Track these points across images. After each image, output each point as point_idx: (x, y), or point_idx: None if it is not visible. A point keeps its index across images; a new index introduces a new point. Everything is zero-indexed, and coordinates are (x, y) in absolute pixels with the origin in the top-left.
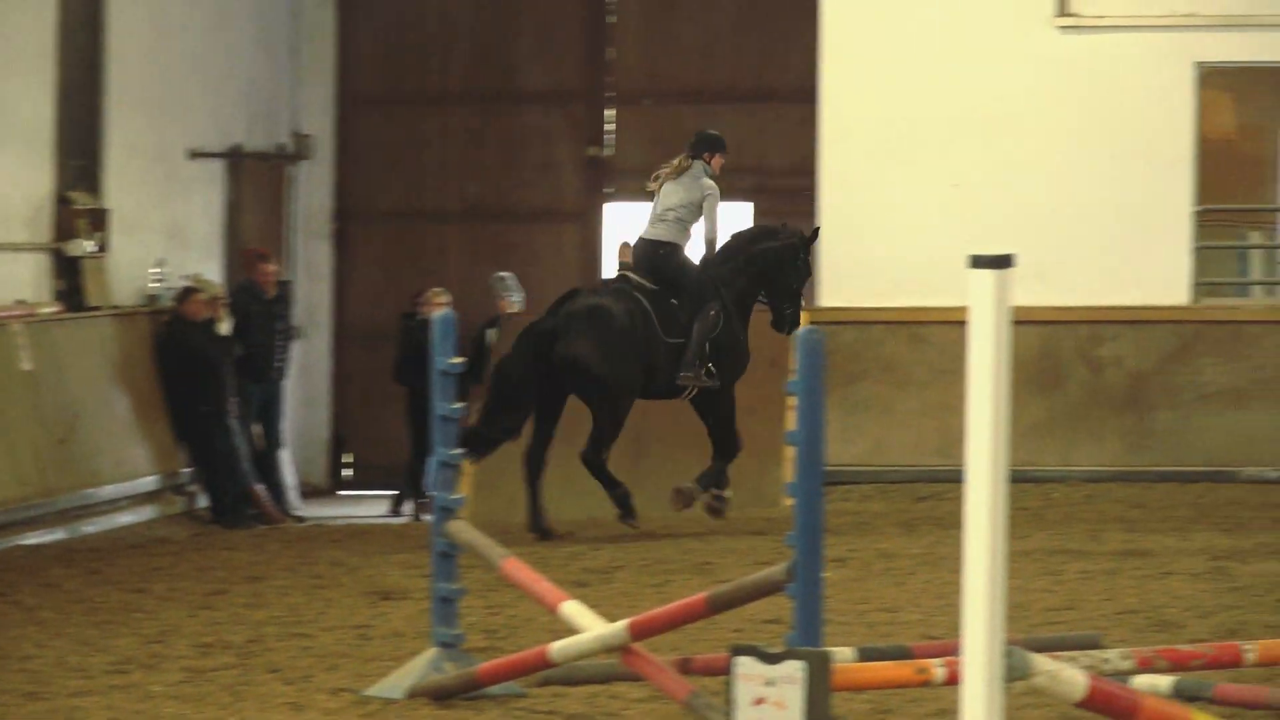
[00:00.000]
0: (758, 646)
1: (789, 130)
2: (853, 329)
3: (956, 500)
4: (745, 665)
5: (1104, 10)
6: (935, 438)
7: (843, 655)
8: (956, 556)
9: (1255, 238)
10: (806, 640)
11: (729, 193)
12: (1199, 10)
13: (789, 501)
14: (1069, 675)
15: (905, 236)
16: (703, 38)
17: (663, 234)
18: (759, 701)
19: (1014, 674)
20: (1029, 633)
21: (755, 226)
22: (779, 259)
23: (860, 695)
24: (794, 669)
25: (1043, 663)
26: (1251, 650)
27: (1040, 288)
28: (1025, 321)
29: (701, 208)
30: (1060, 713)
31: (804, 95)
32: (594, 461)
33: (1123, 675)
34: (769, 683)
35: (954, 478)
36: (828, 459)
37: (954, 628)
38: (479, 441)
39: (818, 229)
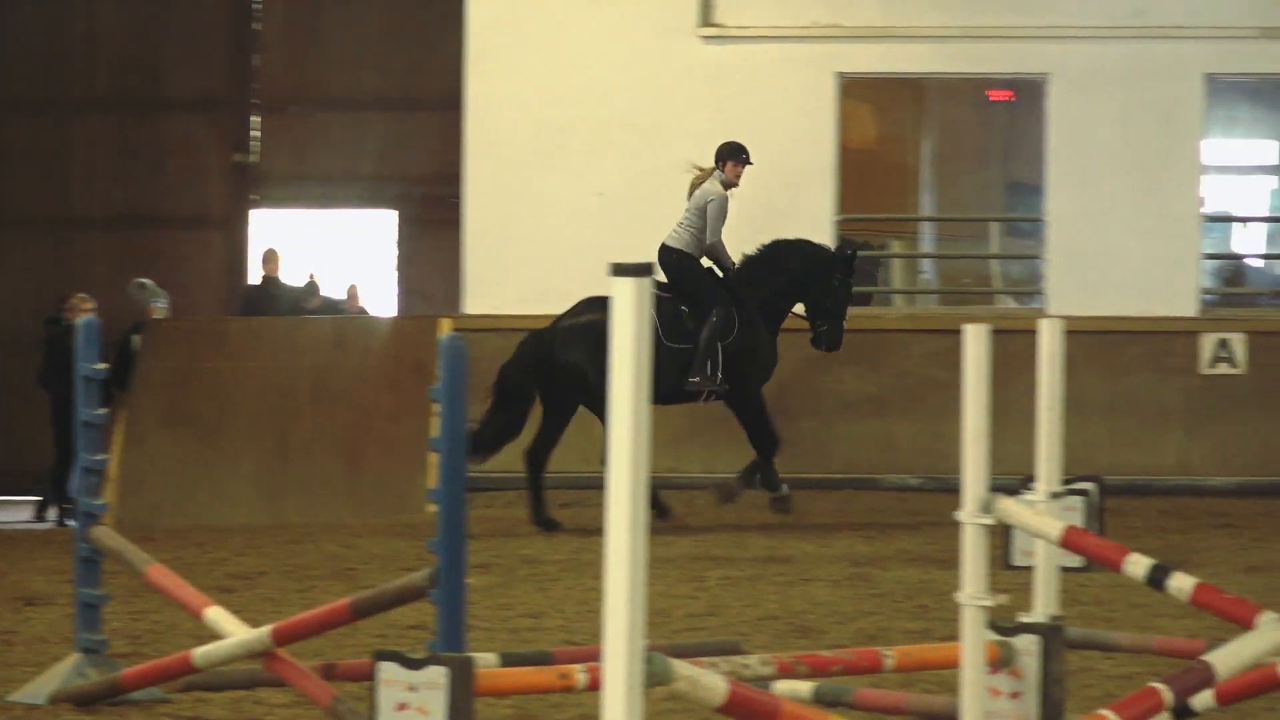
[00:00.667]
0: (401, 652)
1: (435, 138)
2: (497, 336)
3: (600, 506)
4: (388, 671)
5: (747, 21)
6: (580, 444)
7: (486, 661)
8: (600, 562)
9: (896, 247)
10: (449, 646)
11: (376, 201)
12: (840, 21)
13: (432, 508)
14: (709, 681)
15: (550, 244)
16: (349, 46)
17: (674, 241)
18: (402, 707)
19: (654, 679)
20: (671, 638)
21: (798, 239)
22: (805, 271)
23: (503, 700)
24: (437, 674)
25: (683, 668)
26: (891, 656)
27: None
28: None
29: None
30: (701, 718)
31: (450, 103)
32: None
33: (763, 681)
34: (412, 688)
35: (598, 484)
36: (469, 464)
37: (596, 633)
38: (476, 446)
39: (857, 247)
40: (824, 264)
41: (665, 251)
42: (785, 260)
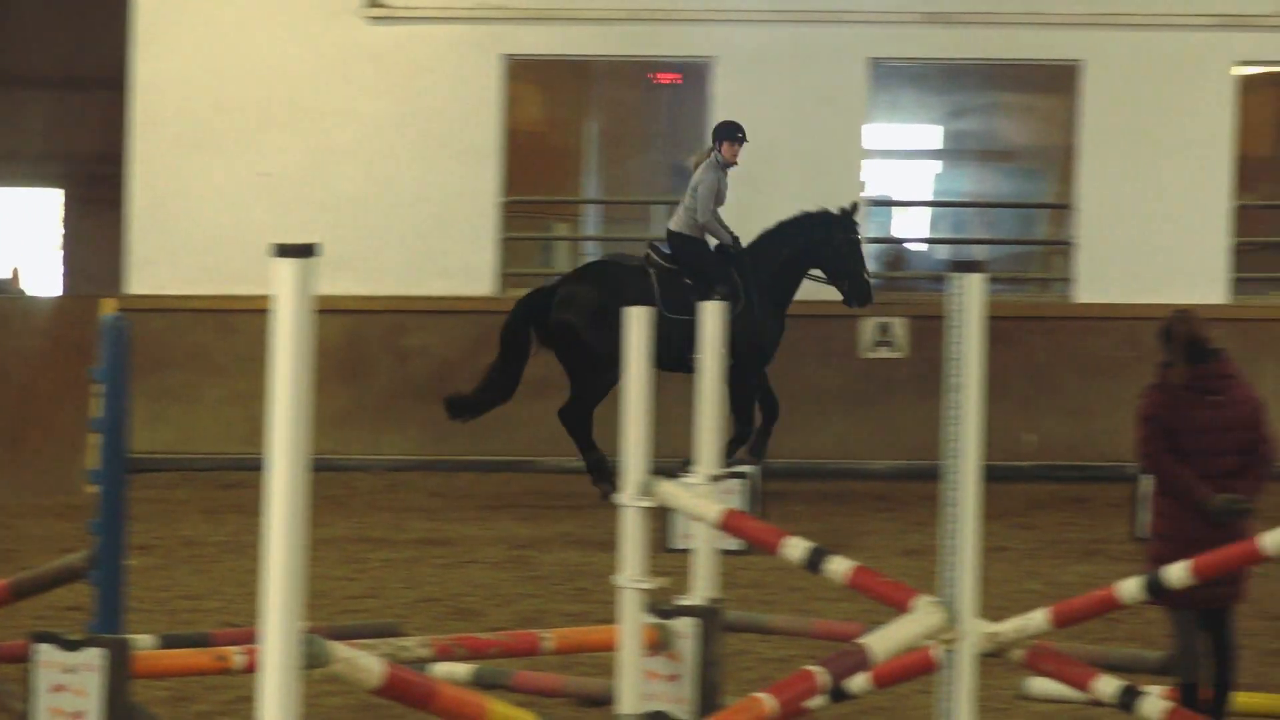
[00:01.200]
0: (58, 634)
1: (101, 117)
2: (161, 316)
3: (257, 488)
4: (45, 653)
5: (413, 2)
6: (242, 426)
7: (143, 642)
8: (259, 544)
9: (561, 229)
10: (107, 627)
11: (41, 179)
12: (506, 4)
13: (92, 489)
14: (366, 663)
15: (214, 225)
16: (12, 23)
17: (675, 224)
18: (59, 689)
19: (312, 661)
20: (330, 620)
21: (800, 213)
22: (806, 239)
23: (161, 682)
24: (94, 656)
25: (341, 651)
26: (549, 639)
27: (348, 277)
28: (331, 311)
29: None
30: (361, 700)
31: (116, 82)
32: (570, 422)
33: (422, 663)
34: (69, 670)
35: (259, 465)
36: (132, 446)
37: (255, 615)
38: (465, 406)
39: (852, 206)
40: (824, 227)
41: (669, 235)
42: (785, 234)
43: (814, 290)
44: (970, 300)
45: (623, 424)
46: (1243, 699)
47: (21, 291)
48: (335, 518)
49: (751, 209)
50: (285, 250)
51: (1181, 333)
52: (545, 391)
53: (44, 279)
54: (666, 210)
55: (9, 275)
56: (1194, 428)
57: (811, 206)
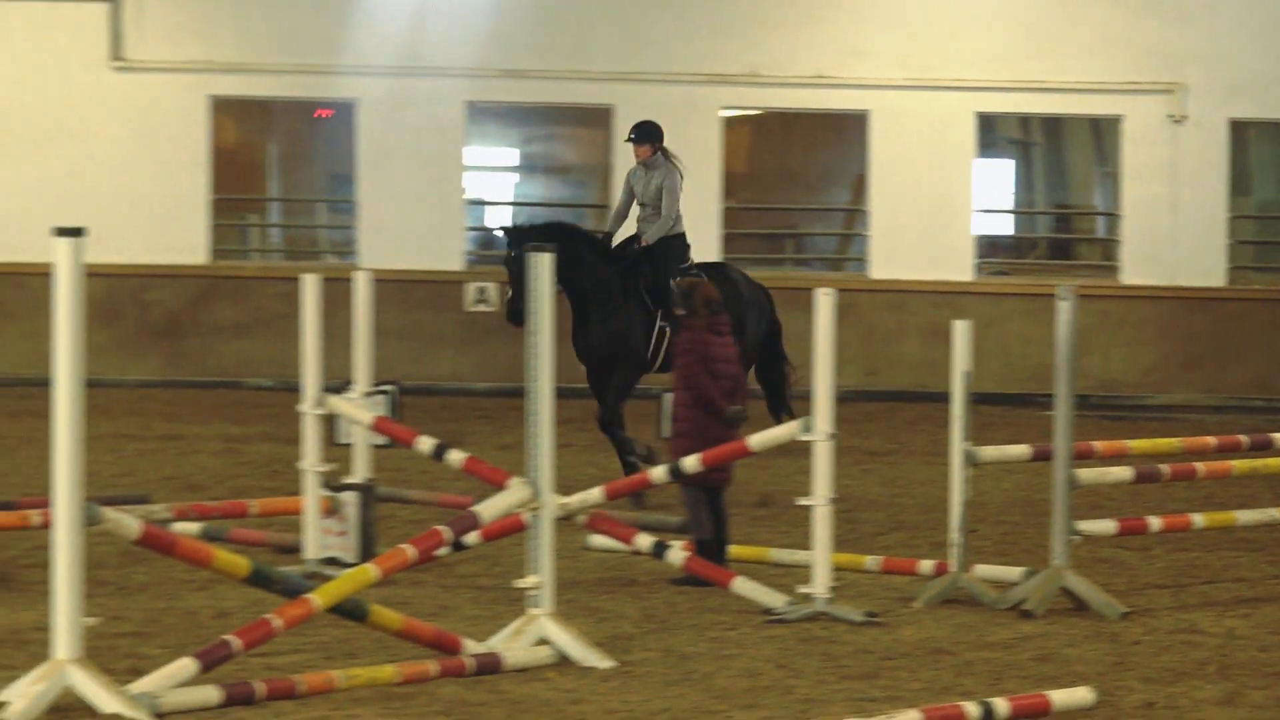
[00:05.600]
0: None
1: None
2: None
3: (45, 399)
4: None
5: (145, 56)
6: (33, 355)
7: None
8: (48, 438)
9: (253, 218)
10: None
11: None
12: (212, 58)
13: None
14: (127, 522)
15: (10, 212)
16: None
17: (650, 235)
18: None
19: (91, 521)
20: (99, 492)
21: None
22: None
23: None
24: None
25: (109, 513)
26: (255, 505)
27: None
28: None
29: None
30: (125, 549)
31: None
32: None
33: (165, 522)
34: None
35: (45, 382)
36: None
37: (47, 489)
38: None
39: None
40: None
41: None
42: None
43: (430, 261)
44: (542, 269)
45: (304, 360)
46: (735, 550)
47: None
48: (100, 420)
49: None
50: (62, 231)
51: (704, 293)
52: (246, 332)
53: None
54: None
55: None
56: (717, 358)
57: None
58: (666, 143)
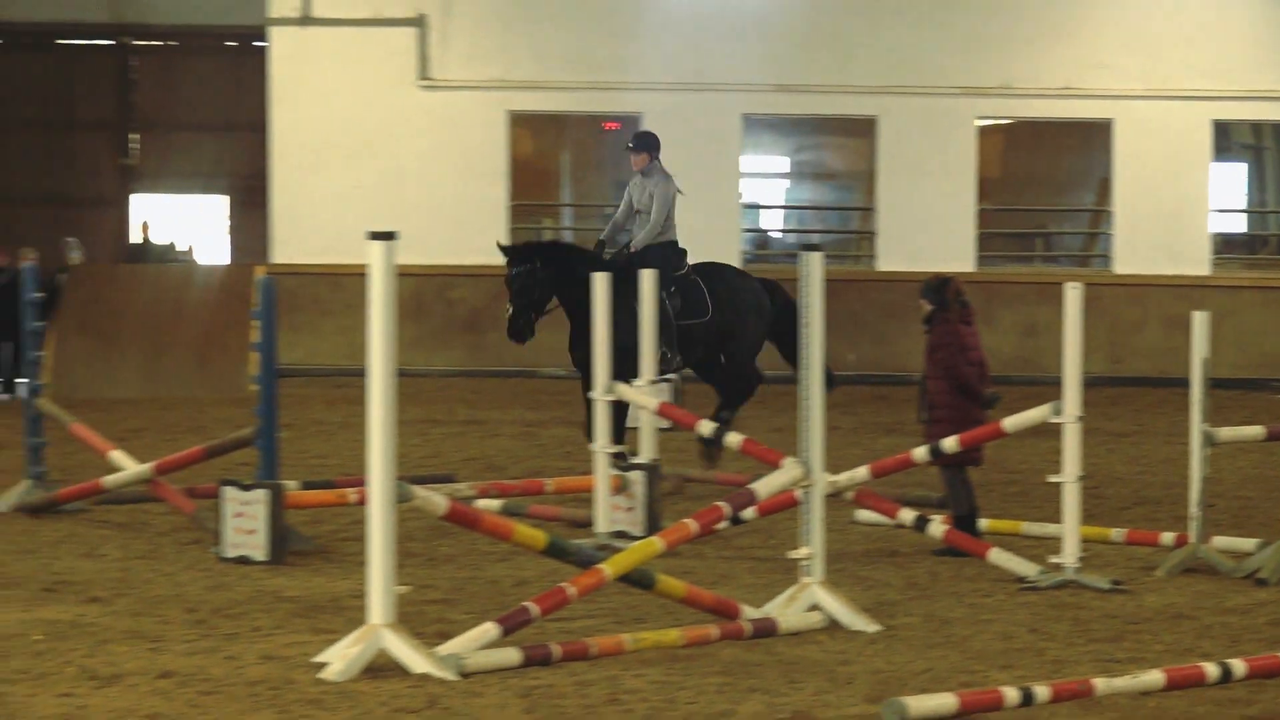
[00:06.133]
0: (237, 480)
1: (251, 149)
2: (293, 278)
3: (360, 388)
4: (229, 492)
5: (448, 76)
6: (347, 347)
7: (291, 485)
8: (363, 423)
9: (548, 221)
10: (268, 476)
11: (213, 189)
12: (508, 77)
13: (253, 388)
14: (436, 499)
15: (328, 218)
16: (192, 89)
17: (639, 240)
18: (239, 515)
19: (401, 498)
20: (410, 472)
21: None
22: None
23: (303, 511)
24: (260, 495)
25: (419, 491)
26: (550, 484)
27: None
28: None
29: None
30: (432, 524)
31: (259, 126)
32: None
33: (469, 499)
34: (245, 504)
35: (357, 373)
36: (278, 360)
37: (363, 469)
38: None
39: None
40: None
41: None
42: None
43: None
44: (813, 270)
45: (595, 351)
46: (990, 524)
47: (195, 261)
48: (409, 407)
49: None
50: (376, 235)
51: (954, 288)
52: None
53: (215, 253)
54: None
55: (187, 249)
56: (969, 346)
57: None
58: (920, 149)
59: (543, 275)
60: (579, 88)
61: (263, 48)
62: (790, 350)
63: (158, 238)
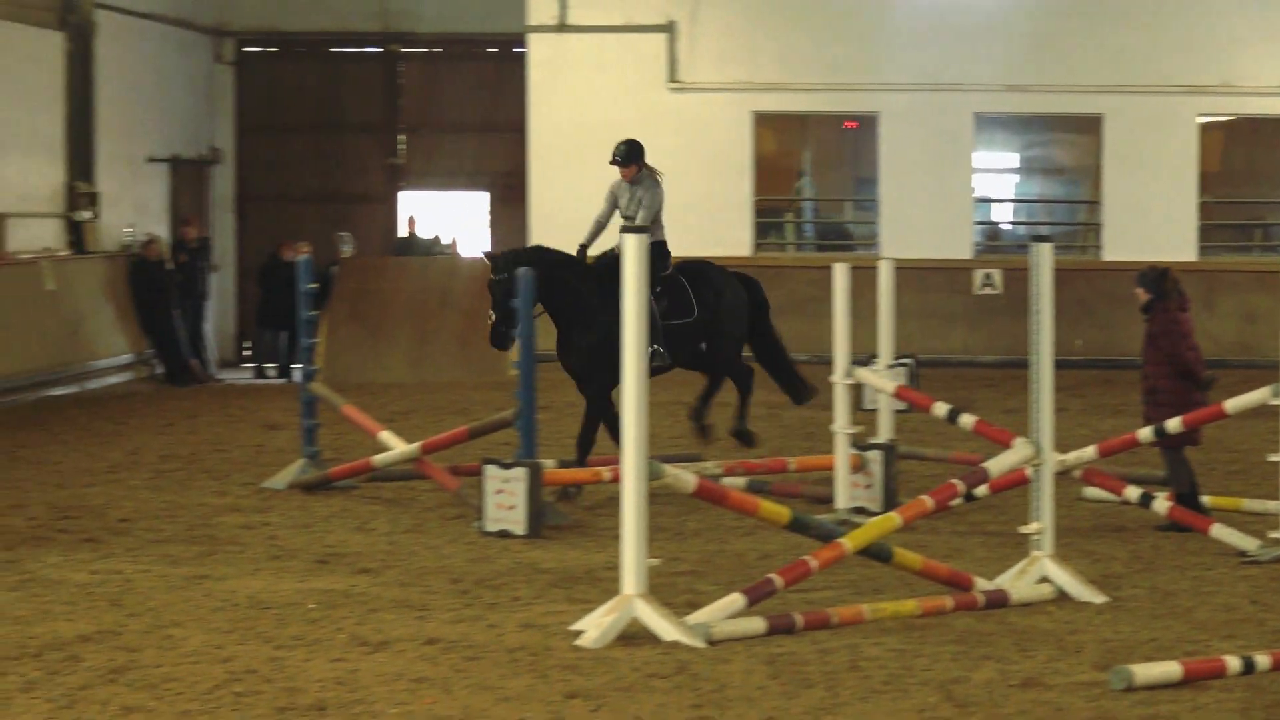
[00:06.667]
0: (498, 459)
1: (510, 149)
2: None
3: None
4: (491, 470)
5: (696, 79)
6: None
7: (548, 464)
8: (617, 406)
9: (789, 215)
10: (527, 454)
11: (475, 186)
12: (753, 79)
13: (514, 372)
14: (685, 477)
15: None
16: (456, 91)
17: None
18: (499, 492)
19: (652, 476)
20: (660, 452)
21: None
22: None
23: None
24: (520, 473)
25: (669, 469)
26: (793, 462)
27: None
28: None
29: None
30: (681, 500)
31: (518, 127)
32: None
33: (716, 477)
34: (505, 481)
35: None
36: (536, 346)
37: (611, 447)
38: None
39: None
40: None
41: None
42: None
43: (943, 250)
44: (1043, 260)
45: (835, 337)
46: (1212, 500)
47: (458, 253)
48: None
49: (903, 201)
50: (630, 229)
51: (1172, 279)
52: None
53: (477, 246)
54: (853, 203)
55: (450, 242)
56: (1188, 333)
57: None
58: (1144, 145)
59: (525, 283)
60: (820, 88)
61: (521, 53)
62: (761, 345)
63: (423, 232)
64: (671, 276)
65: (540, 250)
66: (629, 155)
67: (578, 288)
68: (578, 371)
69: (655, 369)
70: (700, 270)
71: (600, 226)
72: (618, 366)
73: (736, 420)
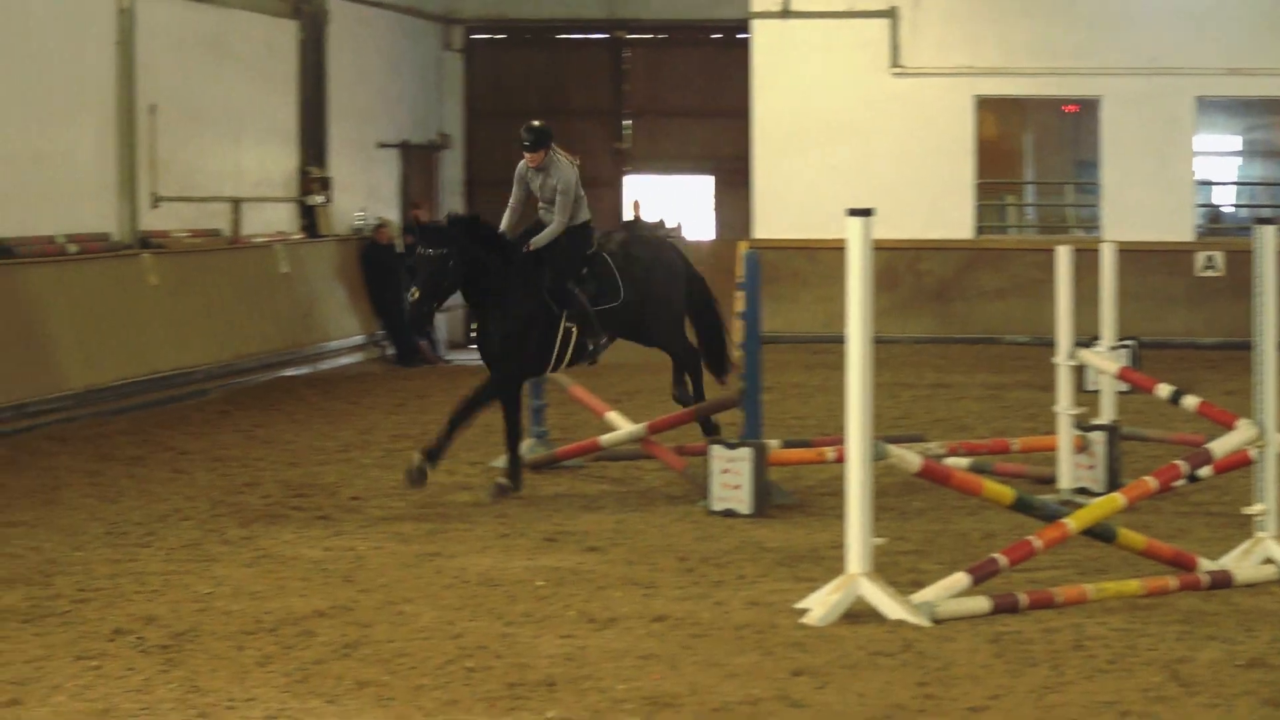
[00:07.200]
0: (724, 439)
1: (734, 133)
2: (772, 251)
3: (836, 354)
4: (716, 450)
5: (918, 64)
6: (823, 316)
7: (773, 444)
8: (838, 386)
9: (1010, 199)
10: (752, 435)
11: (699, 170)
12: (975, 64)
13: (739, 354)
14: (909, 457)
15: (802, 196)
16: (681, 78)
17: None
18: (725, 471)
19: (876, 456)
20: (883, 432)
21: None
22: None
23: (784, 468)
24: (745, 453)
25: (893, 449)
26: (1016, 443)
27: (882, 228)
28: (879, 248)
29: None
30: (905, 480)
31: (742, 113)
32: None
33: (939, 457)
34: (731, 460)
35: (834, 339)
36: (761, 328)
37: (840, 428)
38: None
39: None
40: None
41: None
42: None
43: (1163, 233)
44: (1266, 242)
45: (1058, 319)
46: None
47: (683, 236)
48: (881, 371)
49: (1123, 186)
50: (854, 212)
51: None
52: (1005, 296)
53: (701, 229)
54: (1074, 185)
55: (675, 226)
56: None
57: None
58: None
59: (455, 263)
60: (1041, 73)
61: (745, 39)
62: (701, 325)
63: (648, 215)
64: (596, 256)
65: (474, 227)
66: (537, 141)
67: (502, 272)
68: (491, 364)
69: (594, 354)
70: (627, 247)
71: (514, 212)
72: (530, 356)
73: (677, 387)
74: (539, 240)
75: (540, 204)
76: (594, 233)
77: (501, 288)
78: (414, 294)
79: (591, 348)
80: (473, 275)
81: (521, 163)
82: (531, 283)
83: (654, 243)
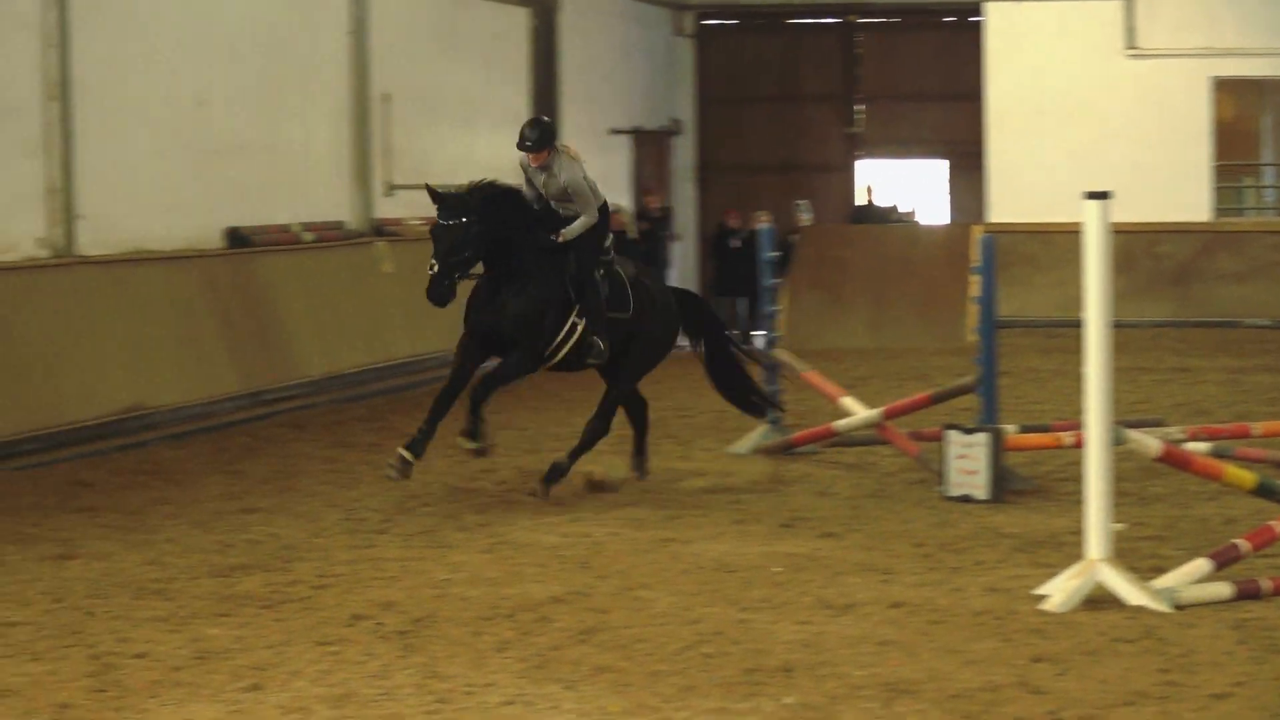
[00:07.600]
0: (960, 424)
1: (968, 117)
2: (1006, 236)
3: (1072, 338)
4: (953, 435)
5: (1155, 44)
6: (1058, 299)
7: (1010, 430)
8: (1075, 371)
9: (1247, 181)
10: (989, 420)
11: (933, 154)
12: (1212, 45)
13: (973, 338)
14: (1149, 442)
15: (1037, 179)
16: (915, 61)
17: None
18: (961, 457)
19: (1116, 441)
20: (1121, 417)
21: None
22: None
23: (1021, 454)
24: (982, 438)
25: (1133, 434)
26: (1257, 428)
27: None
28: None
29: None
30: (1143, 464)
31: (975, 96)
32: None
33: (1179, 442)
34: (967, 446)
35: (1070, 324)
36: (997, 312)
37: (1077, 413)
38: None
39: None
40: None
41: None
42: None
43: None
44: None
45: None
46: None
47: (917, 221)
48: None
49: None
50: (1092, 195)
51: None
52: (1244, 279)
53: (936, 214)
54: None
55: (910, 210)
56: None
57: None
58: None
59: (476, 233)
60: None
61: (978, 23)
62: (712, 369)
63: (881, 200)
64: (610, 266)
65: (497, 198)
66: (541, 140)
67: (530, 252)
68: (484, 336)
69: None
70: (637, 275)
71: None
72: (535, 353)
73: (635, 456)
74: (570, 232)
75: (550, 202)
76: (609, 222)
77: (524, 267)
78: (433, 266)
79: (592, 349)
80: (496, 249)
81: (523, 157)
82: (556, 267)
83: (661, 284)
